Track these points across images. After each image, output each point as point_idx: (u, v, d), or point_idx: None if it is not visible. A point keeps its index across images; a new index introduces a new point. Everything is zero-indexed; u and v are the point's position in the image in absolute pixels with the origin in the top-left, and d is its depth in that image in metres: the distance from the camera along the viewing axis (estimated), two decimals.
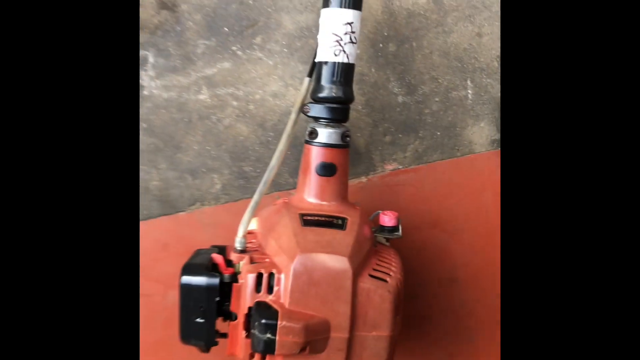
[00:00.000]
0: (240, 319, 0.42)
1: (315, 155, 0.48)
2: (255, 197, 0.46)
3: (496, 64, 0.57)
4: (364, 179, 0.59)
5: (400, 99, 0.59)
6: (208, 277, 0.43)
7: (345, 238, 0.44)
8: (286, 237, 0.44)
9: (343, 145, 0.48)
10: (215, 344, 0.43)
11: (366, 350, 0.43)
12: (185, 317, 0.43)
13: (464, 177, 0.59)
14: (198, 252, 0.46)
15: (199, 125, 0.59)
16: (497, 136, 0.58)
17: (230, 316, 0.43)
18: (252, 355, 0.42)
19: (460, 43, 0.58)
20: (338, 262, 0.42)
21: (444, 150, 0.59)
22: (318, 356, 0.41)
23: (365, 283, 0.42)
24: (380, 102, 0.59)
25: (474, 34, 0.57)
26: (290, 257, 0.42)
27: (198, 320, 0.43)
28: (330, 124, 0.48)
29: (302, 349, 0.40)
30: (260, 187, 0.47)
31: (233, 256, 0.44)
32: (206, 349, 0.43)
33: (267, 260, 0.44)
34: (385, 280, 0.43)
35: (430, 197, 0.59)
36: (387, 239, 0.50)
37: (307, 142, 0.49)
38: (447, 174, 0.59)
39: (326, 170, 0.47)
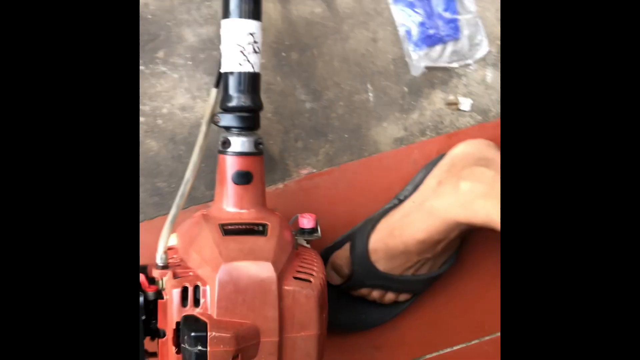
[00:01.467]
0: (169, 335, 0.42)
1: (230, 165, 0.48)
2: (173, 210, 0.46)
3: (392, 67, 0.61)
4: (280, 185, 0.60)
5: (307, 105, 0.60)
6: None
7: (267, 244, 0.45)
8: (208, 248, 0.44)
9: (257, 152, 0.49)
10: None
11: (297, 351, 0.44)
12: None
13: (374, 176, 0.62)
14: None
15: None
16: (401, 134, 0.62)
17: (158, 334, 0.42)
18: None
19: (357, 49, 0.60)
20: (262, 269, 0.42)
21: (353, 151, 0.62)
22: None
23: (290, 286, 0.44)
24: (289, 109, 0.60)
25: (369, 39, 0.60)
26: (214, 268, 0.42)
27: None
28: (242, 132, 0.49)
29: (234, 358, 0.40)
30: (177, 201, 0.46)
31: (155, 272, 0.43)
32: None
33: (190, 273, 0.43)
34: (309, 281, 0.45)
35: (344, 197, 0.61)
36: (307, 241, 0.51)
37: (220, 152, 0.49)
38: (358, 174, 0.62)
39: (242, 178, 0.48)
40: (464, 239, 0.59)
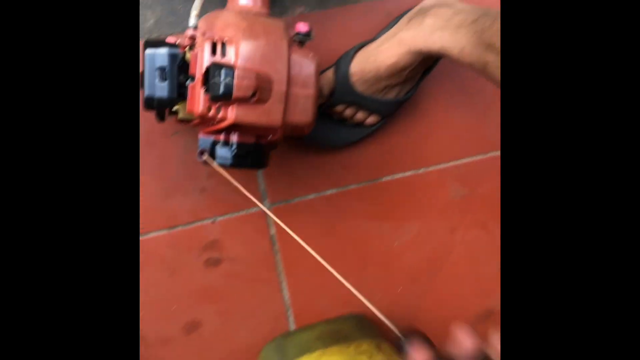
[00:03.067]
0: (199, 77, 0.52)
1: None
2: None
3: None
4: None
5: None
6: (170, 47, 0.52)
7: (277, 22, 0.56)
8: (231, 16, 0.54)
9: None
10: (177, 101, 0.53)
11: (298, 105, 0.55)
12: (149, 82, 0.52)
13: (354, 21, 0.74)
14: (148, 40, 0.55)
15: None
16: None
17: (188, 78, 0.53)
18: (209, 108, 0.53)
19: None
20: (277, 26, 0.54)
21: None
22: (263, 106, 0.53)
23: (297, 52, 0.55)
24: None
25: None
26: (237, 27, 0.53)
27: (161, 83, 0.52)
28: None
29: (253, 94, 0.51)
30: None
31: (188, 32, 0.53)
32: (169, 103, 0.53)
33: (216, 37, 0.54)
34: (309, 56, 0.56)
35: (328, 37, 0.73)
36: (302, 42, 0.63)
37: None
38: (341, 18, 0.73)
39: None
40: (426, 71, 0.73)
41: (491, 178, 0.82)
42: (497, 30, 0.56)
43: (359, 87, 0.70)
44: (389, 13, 0.75)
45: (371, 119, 0.74)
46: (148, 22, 0.68)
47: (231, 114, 0.52)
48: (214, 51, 0.53)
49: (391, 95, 0.72)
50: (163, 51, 0.52)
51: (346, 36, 0.74)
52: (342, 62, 0.70)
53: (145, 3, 0.67)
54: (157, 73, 0.52)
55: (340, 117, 0.74)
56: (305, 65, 0.55)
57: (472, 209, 0.81)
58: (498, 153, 0.81)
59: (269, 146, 0.60)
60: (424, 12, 0.69)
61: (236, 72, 0.50)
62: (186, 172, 0.72)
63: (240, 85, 0.50)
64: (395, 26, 0.71)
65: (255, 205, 0.75)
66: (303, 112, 0.56)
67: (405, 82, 0.71)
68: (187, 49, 0.54)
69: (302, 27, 0.61)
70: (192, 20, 0.54)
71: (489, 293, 0.81)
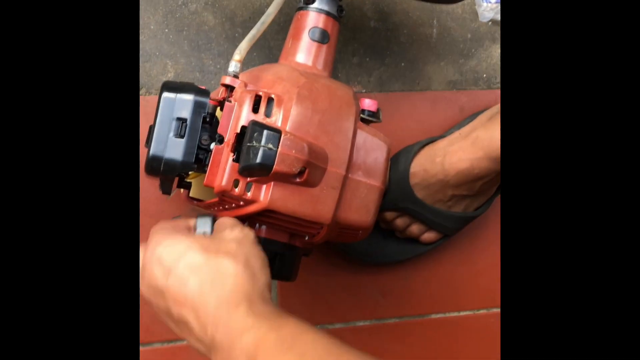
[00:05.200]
0: (230, 137, 0.37)
1: (311, 20, 0.46)
2: (253, 31, 0.42)
3: (460, 11, 0.62)
4: None
5: (372, 23, 0.60)
6: (198, 93, 0.38)
7: (347, 88, 0.42)
8: (286, 70, 0.41)
9: (337, 16, 0.47)
10: (193, 168, 0.38)
11: (357, 197, 0.40)
12: (159, 137, 0.37)
13: (419, 111, 0.61)
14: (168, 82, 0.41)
15: (161, 3, 0.55)
16: (455, 77, 0.62)
17: (214, 140, 0.38)
18: (236, 182, 0.37)
19: None
20: (344, 91, 0.40)
21: (405, 81, 0.61)
22: (310, 190, 0.38)
23: (364, 129, 0.41)
24: (353, 22, 0.59)
25: None
26: (293, 83, 0.39)
27: (176, 140, 0.37)
28: None
29: (301, 172, 0.36)
30: (260, 22, 0.43)
31: (226, 79, 0.39)
32: (182, 168, 0.37)
33: (261, 92, 0.40)
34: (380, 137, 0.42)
35: (387, 125, 0.59)
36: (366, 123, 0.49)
37: (300, 8, 0.47)
38: (405, 105, 0.61)
39: (320, 35, 0.46)
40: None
41: None
42: None
43: (419, 193, 0.55)
44: (462, 108, 0.62)
45: (428, 235, 0.58)
46: (167, 74, 0.55)
47: (265, 195, 0.37)
48: (255, 109, 0.38)
49: (458, 208, 0.57)
50: (187, 97, 0.38)
51: (409, 127, 0.60)
52: (401, 158, 0.56)
53: (165, 51, 0.55)
54: (173, 125, 0.37)
55: (388, 228, 0.58)
56: (374, 147, 0.41)
57: None
58: None
59: (304, 251, 0.44)
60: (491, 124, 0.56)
61: (282, 139, 0.35)
62: None
63: (286, 156, 0.35)
64: (472, 123, 0.58)
65: None
66: (362, 209, 0.40)
67: (477, 195, 0.56)
68: (220, 103, 0.40)
69: (369, 104, 0.47)
70: (232, 66, 0.40)
71: None
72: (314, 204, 0.38)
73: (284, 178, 0.36)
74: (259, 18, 0.45)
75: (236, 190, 0.37)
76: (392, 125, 0.60)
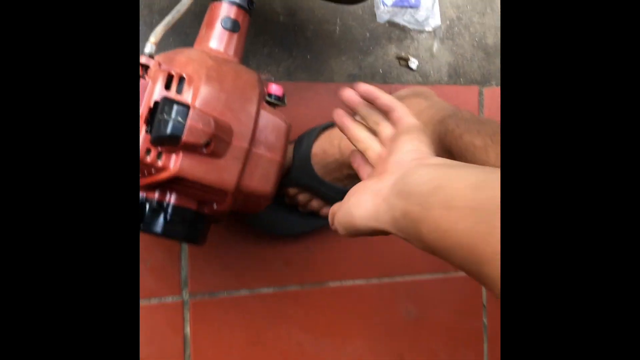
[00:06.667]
0: (144, 112, 0.42)
1: (223, 10, 0.51)
2: (168, 17, 0.47)
3: (361, 12, 0.69)
4: None
5: (281, 18, 0.66)
6: None
7: (252, 72, 0.48)
8: (197, 53, 0.46)
9: (247, 9, 0.52)
10: None
11: (258, 168, 0.45)
12: None
13: (322, 99, 0.67)
14: None
15: None
16: (355, 71, 0.69)
17: None
18: (148, 150, 0.42)
19: None
20: (250, 75, 0.45)
21: (311, 73, 0.67)
22: (216, 161, 0.43)
23: (268, 110, 0.46)
24: (263, 17, 0.65)
25: None
26: (202, 65, 0.44)
27: None
28: None
29: (207, 143, 0.41)
30: (176, 10, 0.47)
31: (142, 59, 0.44)
32: None
33: (174, 71, 0.44)
34: (282, 118, 0.48)
35: (291, 111, 0.65)
36: (272, 106, 0.54)
37: (214, 0, 0.52)
38: (309, 94, 0.67)
39: (231, 24, 0.51)
40: None
41: (444, 302, 0.73)
42: (458, 135, 0.52)
43: (319, 171, 0.61)
44: None
45: (327, 210, 0.65)
46: None
47: (175, 163, 0.42)
48: (168, 86, 0.43)
49: (352, 185, 0.64)
50: None
51: (313, 114, 0.67)
52: (304, 140, 0.62)
53: None
54: None
55: (291, 203, 0.64)
56: (275, 125, 0.46)
57: (422, 334, 0.71)
58: (454, 274, 0.73)
59: (211, 218, 0.49)
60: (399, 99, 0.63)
61: (191, 112, 0.40)
62: None
63: (194, 128, 0.40)
64: None
65: (171, 293, 0.61)
66: (263, 179, 0.46)
67: None
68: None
69: (275, 89, 0.53)
70: (148, 47, 0.44)
71: None
72: (219, 173, 0.43)
73: (192, 149, 0.41)
74: (175, 7, 0.50)
75: (148, 158, 0.41)
76: (299, 111, 0.66)
